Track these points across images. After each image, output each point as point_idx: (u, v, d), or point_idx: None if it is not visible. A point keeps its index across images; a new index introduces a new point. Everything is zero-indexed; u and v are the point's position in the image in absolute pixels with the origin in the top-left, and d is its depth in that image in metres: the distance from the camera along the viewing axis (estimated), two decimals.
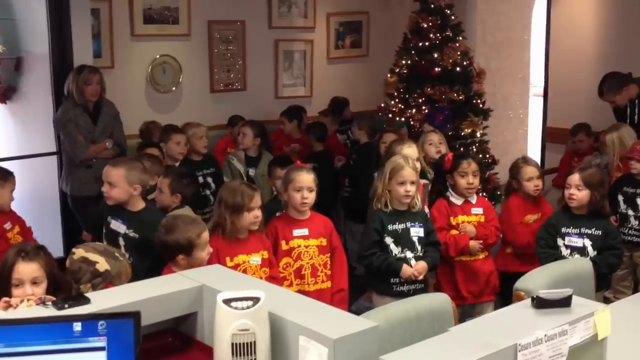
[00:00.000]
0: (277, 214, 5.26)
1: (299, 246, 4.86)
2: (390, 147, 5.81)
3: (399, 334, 3.24)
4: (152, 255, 4.36)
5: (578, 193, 5.10)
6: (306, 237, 4.88)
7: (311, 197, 4.86)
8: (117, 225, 4.83)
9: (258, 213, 4.55)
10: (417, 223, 5.08)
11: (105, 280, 3.45)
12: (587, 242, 5.08)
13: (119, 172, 4.73)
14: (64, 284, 3.49)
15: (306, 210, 4.93)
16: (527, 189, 5.76)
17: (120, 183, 4.73)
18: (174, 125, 6.92)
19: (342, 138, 8.74)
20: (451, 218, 5.45)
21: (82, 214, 6.66)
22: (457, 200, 5.50)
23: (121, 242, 4.79)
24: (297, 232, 4.88)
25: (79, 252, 3.58)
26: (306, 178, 4.85)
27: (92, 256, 3.53)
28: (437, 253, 5.17)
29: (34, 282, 3.35)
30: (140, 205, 4.85)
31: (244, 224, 4.52)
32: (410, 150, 5.64)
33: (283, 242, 4.83)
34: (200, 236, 4.11)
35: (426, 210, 5.40)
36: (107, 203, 4.88)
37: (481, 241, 5.40)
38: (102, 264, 3.52)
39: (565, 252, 5.12)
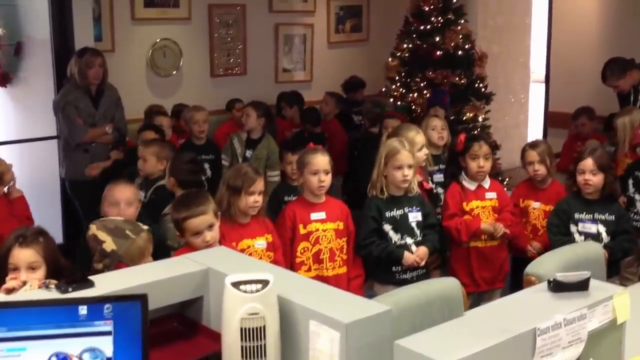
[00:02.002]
0: (286, 199, 5.20)
1: (317, 230, 4.78)
2: (395, 131, 5.50)
3: (408, 319, 3.16)
4: None
5: (593, 178, 5.01)
6: (324, 221, 4.80)
7: (328, 179, 4.78)
8: None
9: (258, 198, 4.46)
10: (414, 207, 4.97)
11: (114, 261, 3.38)
12: (602, 228, 5.01)
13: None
14: (66, 268, 3.43)
15: (323, 194, 4.85)
16: (528, 173, 5.68)
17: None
18: (148, 123, 6.86)
19: (357, 119, 8.73)
20: (464, 203, 5.34)
21: (79, 198, 6.61)
22: (470, 185, 5.39)
23: None
24: (314, 215, 4.80)
25: (92, 228, 3.53)
26: (322, 160, 4.77)
27: (101, 235, 3.47)
28: (436, 235, 5.07)
29: (31, 268, 3.31)
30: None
31: (240, 207, 4.43)
32: (418, 136, 5.42)
33: (301, 226, 4.76)
34: (187, 222, 3.94)
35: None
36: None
37: (503, 231, 5.29)
38: (109, 244, 3.44)
39: (578, 238, 5.04)
